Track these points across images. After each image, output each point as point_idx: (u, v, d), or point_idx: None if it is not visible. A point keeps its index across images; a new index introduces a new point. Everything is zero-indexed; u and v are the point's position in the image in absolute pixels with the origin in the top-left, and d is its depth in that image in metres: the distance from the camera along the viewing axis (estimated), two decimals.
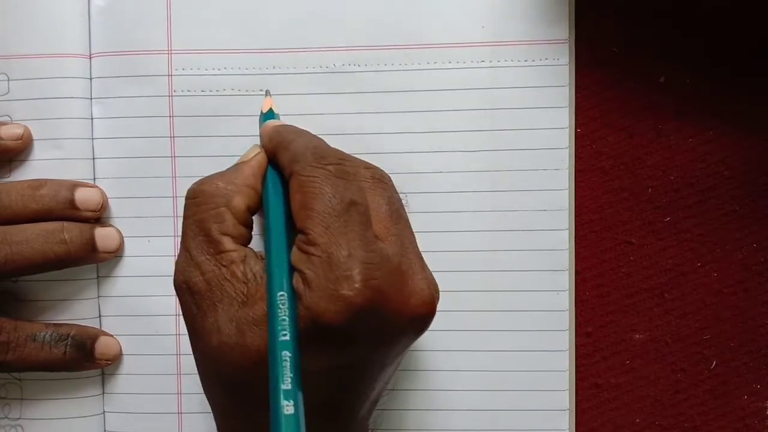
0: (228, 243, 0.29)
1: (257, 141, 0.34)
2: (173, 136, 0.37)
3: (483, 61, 0.37)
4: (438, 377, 0.38)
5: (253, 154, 0.32)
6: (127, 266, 0.38)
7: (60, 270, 0.37)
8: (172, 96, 0.37)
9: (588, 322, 0.38)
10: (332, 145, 0.37)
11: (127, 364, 0.38)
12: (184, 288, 0.29)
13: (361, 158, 0.36)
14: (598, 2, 0.37)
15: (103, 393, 0.38)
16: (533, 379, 0.37)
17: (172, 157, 0.37)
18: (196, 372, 0.37)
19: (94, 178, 0.38)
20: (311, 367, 0.27)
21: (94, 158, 0.38)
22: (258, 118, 0.36)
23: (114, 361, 0.38)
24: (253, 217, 0.31)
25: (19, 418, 0.38)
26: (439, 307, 0.37)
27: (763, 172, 0.37)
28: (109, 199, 0.38)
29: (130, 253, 0.38)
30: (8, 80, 0.37)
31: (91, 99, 0.38)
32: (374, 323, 0.27)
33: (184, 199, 0.30)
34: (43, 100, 0.37)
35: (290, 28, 0.37)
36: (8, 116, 0.37)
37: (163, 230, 0.38)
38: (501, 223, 0.37)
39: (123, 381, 0.38)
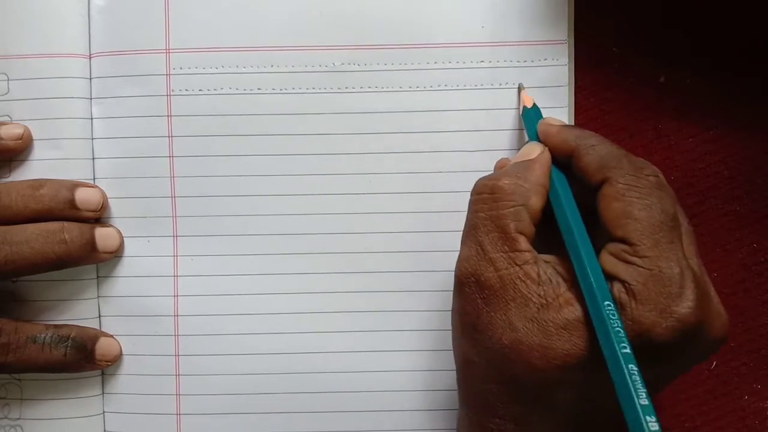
0: (523, 242, 0.29)
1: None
2: (171, 136, 0.37)
3: (483, 62, 0.37)
4: (439, 376, 0.38)
5: (538, 152, 0.32)
6: (126, 266, 0.38)
7: (60, 270, 0.36)
8: (170, 95, 0.37)
9: None
10: (330, 145, 0.38)
11: (127, 365, 0.38)
12: (472, 282, 0.29)
13: (360, 158, 0.36)
14: (597, 2, 0.37)
15: (103, 393, 0.38)
16: None
17: (170, 157, 0.37)
18: (196, 373, 0.37)
19: (94, 178, 0.38)
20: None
21: (93, 158, 0.38)
22: (518, 112, 0.37)
23: (114, 362, 0.38)
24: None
25: (18, 418, 0.38)
26: (441, 306, 0.37)
27: (763, 172, 0.37)
28: (108, 199, 0.38)
29: (129, 253, 0.38)
30: (8, 80, 0.37)
31: (90, 99, 0.38)
32: (693, 343, 0.27)
33: (470, 194, 0.31)
34: (42, 100, 0.37)
35: (289, 26, 0.37)
36: (8, 116, 0.37)
37: (162, 230, 0.38)
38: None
39: (123, 381, 0.38)
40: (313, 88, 0.37)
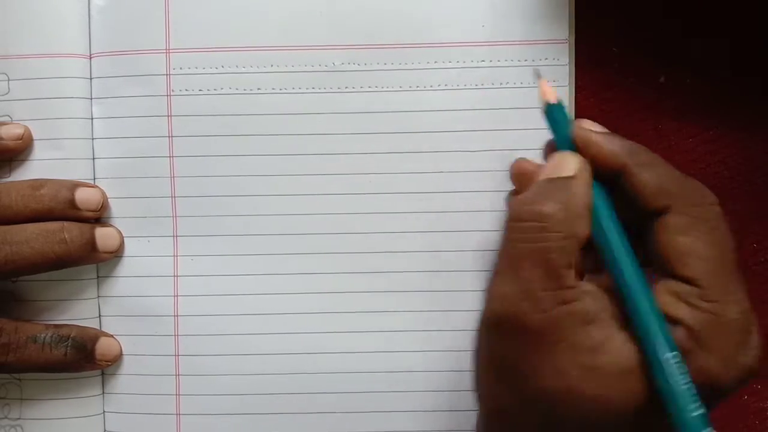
0: (571, 277, 0.26)
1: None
2: (171, 136, 0.37)
3: (483, 61, 0.37)
4: (439, 377, 0.38)
5: (575, 167, 0.27)
6: (126, 266, 0.38)
7: (60, 270, 0.36)
8: (170, 95, 0.37)
9: None
10: (330, 144, 0.37)
11: (127, 365, 0.38)
12: (513, 323, 0.26)
13: (360, 158, 0.36)
14: (598, 2, 0.37)
15: (103, 393, 0.38)
16: None
17: (170, 157, 0.38)
18: (196, 374, 0.37)
19: (94, 178, 0.38)
20: None
21: (94, 158, 0.38)
22: (541, 112, 0.31)
23: (114, 362, 0.38)
24: None
25: (19, 418, 0.38)
26: (440, 306, 0.37)
27: (763, 172, 0.37)
28: (108, 199, 0.38)
29: (129, 253, 0.38)
30: (8, 80, 0.37)
31: (91, 99, 0.38)
32: (738, 386, 0.26)
33: (507, 221, 0.28)
34: (43, 100, 0.37)
35: (289, 26, 0.37)
36: (8, 116, 0.37)
37: (162, 230, 0.38)
38: (501, 223, 0.37)
39: (123, 381, 0.38)
40: (313, 88, 0.37)
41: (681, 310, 0.25)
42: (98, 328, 0.38)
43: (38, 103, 0.37)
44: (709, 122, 0.37)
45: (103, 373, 0.38)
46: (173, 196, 0.38)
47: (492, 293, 0.27)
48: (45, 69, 0.37)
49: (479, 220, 0.37)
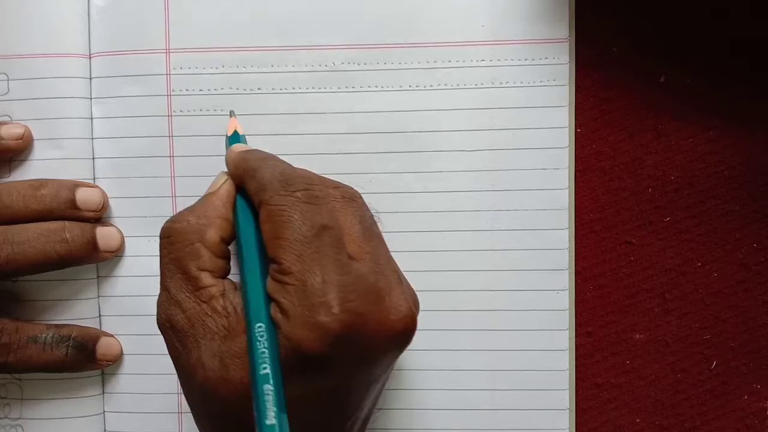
0: (206, 278, 0.29)
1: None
2: (172, 136, 0.37)
3: (483, 60, 0.37)
4: (438, 376, 0.38)
5: (220, 183, 0.32)
6: (127, 266, 0.38)
7: (61, 270, 0.37)
8: (170, 95, 0.37)
9: (588, 322, 0.38)
10: (330, 144, 0.37)
11: (127, 364, 0.38)
12: (167, 327, 0.29)
13: (360, 157, 0.36)
14: (598, 2, 0.37)
15: (103, 393, 0.38)
16: (533, 378, 0.37)
17: (170, 156, 0.38)
18: None
19: (94, 178, 0.38)
20: (295, 393, 0.27)
21: (93, 158, 0.38)
22: (224, 140, 0.35)
23: (115, 361, 0.38)
24: (230, 247, 0.31)
25: (19, 418, 0.38)
26: (439, 306, 0.37)
27: (763, 172, 0.37)
28: (109, 199, 0.38)
29: (130, 253, 0.38)
30: (8, 80, 0.37)
31: (90, 99, 0.38)
32: (354, 345, 0.27)
33: (158, 237, 0.30)
34: (43, 100, 0.37)
35: (288, 26, 0.37)
36: (8, 116, 0.37)
37: None
38: (501, 223, 0.37)
39: (123, 381, 0.38)
40: (313, 88, 0.37)
41: (273, 288, 0.27)
42: (98, 327, 0.38)
43: (38, 102, 0.37)
44: (709, 122, 0.37)
45: (103, 373, 0.38)
46: (173, 196, 0.38)
47: (157, 302, 0.30)
48: (45, 69, 0.37)
49: (479, 219, 0.37)
